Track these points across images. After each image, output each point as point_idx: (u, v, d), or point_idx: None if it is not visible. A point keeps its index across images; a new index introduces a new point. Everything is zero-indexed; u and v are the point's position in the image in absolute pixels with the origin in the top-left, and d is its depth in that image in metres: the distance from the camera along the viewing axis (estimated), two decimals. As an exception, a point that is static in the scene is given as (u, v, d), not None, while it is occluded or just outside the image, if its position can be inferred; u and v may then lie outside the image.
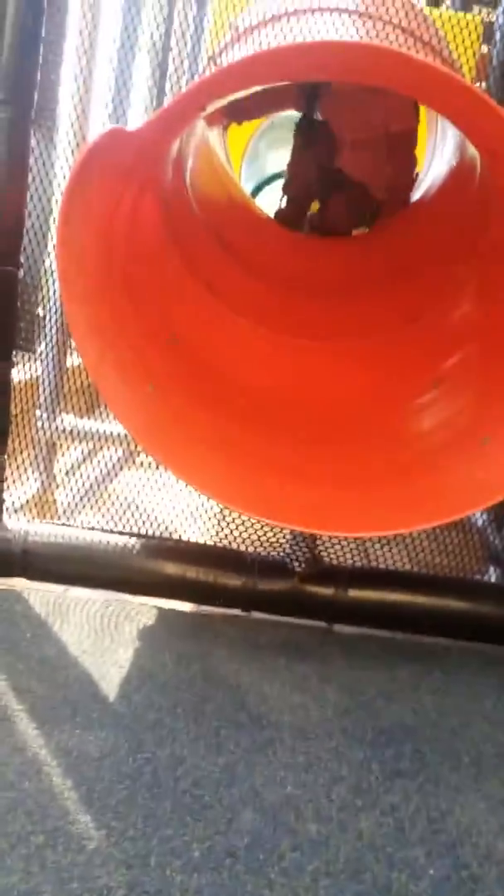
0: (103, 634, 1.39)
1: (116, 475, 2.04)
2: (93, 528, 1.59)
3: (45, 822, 0.95)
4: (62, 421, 1.84)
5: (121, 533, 1.58)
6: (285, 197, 2.03)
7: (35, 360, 1.89)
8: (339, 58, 1.36)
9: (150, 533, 1.63)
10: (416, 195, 2.11)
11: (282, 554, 1.56)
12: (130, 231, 1.52)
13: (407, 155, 1.89)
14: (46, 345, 1.86)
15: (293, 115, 2.83)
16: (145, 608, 1.52)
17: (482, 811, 1.08)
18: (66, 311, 1.26)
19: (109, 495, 1.83)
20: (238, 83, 1.45)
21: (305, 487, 1.39)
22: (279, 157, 2.38)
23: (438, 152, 1.95)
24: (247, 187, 3.44)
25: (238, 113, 1.93)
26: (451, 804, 1.09)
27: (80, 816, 0.97)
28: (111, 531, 1.58)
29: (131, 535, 1.57)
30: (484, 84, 1.96)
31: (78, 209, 1.23)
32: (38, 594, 1.50)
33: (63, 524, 1.61)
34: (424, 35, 1.56)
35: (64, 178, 1.61)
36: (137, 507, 1.72)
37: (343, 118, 1.82)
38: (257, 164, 3.39)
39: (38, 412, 1.82)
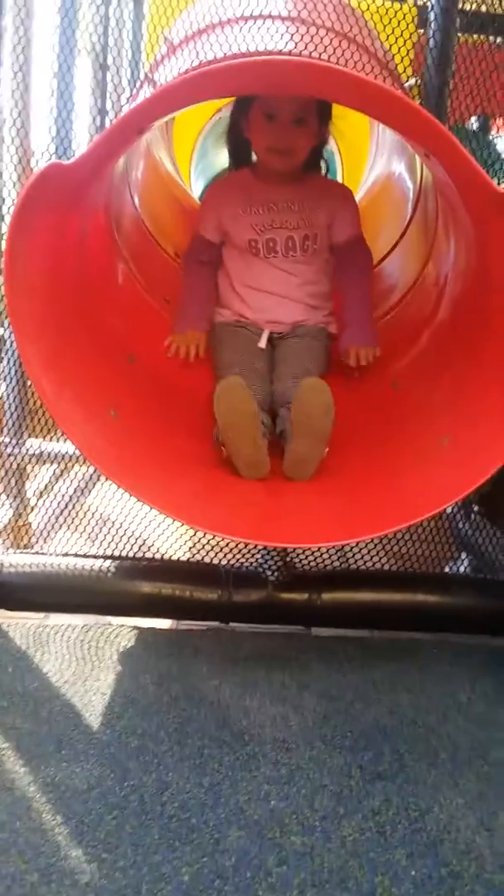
0: (84, 662, 1.41)
1: (89, 492, 2.05)
2: (66, 554, 1.61)
3: (38, 860, 0.98)
4: (29, 445, 1.84)
5: (94, 556, 1.60)
6: None
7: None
8: (273, 75, 1.36)
9: (126, 550, 1.66)
10: (360, 193, 2.13)
11: (255, 564, 1.59)
12: (80, 258, 1.52)
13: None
14: (8, 364, 1.85)
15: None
16: (124, 629, 1.54)
17: (460, 807, 1.13)
18: (20, 349, 1.26)
19: (84, 512, 1.85)
20: (173, 105, 1.45)
21: (267, 500, 1.41)
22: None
23: (380, 152, 1.97)
24: (198, 185, 3.44)
25: None
26: (430, 803, 1.13)
27: (72, 851, 1.00)
28: (85, 555, 1.60)
29: (105, 557, 1.60)
30: (416, 80, 1.95)
31: (23, 249, 1.23)
32: (18, 625, 1.52)
33: (36, 552, 1.63)
34: (357, 36, 1.57)
35: (8, 207, 1.62)
36: (112, 523, 1.73)
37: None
38: (206, 160, 3.39)
39: (4, 438, 1.83)
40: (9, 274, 1.22)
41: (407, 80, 1.91)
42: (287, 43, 1.42)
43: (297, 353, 1.64)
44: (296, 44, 1.41)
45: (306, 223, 1.66)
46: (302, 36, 1.43)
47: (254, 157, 1.74)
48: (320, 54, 1.37)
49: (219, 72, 1.34)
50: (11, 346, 1.78)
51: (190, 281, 1.75)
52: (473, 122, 2.34)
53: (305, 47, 1.39)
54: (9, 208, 1.59)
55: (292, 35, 1.45)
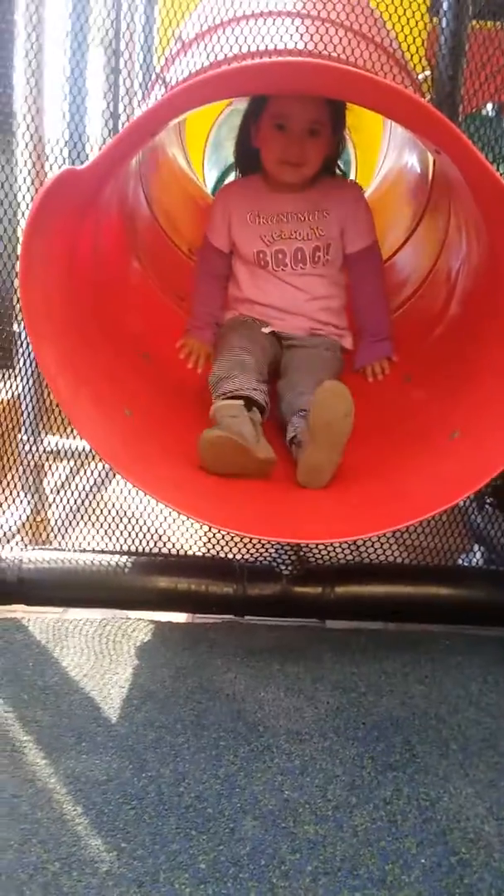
0: (102, 656, 1.45)
1: (106, 487, 2.08)
2: (84, 550, 1.64)
3: (59, 849, 1.02)
4: (47, 443, 1.88)
5: (112, 552, 1.63)
6: None
7: (14, 377, 1.92)
8: (285, 76, 1.37)
9: (142, 545, 1.69)
10: (373, 185, 2.13)
11: (269, 558, 1.62)
12: (94, 258, 1.55)
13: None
14: (24, 361, 1.88)
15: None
16: (142, 623, 1.58)
17: (470, 796, 1.15)
18: (36, 352, 1.29)
19: (101, 508, 1.88)
20: (185, 107, 1.47)
21: (279, 496, 1.43)
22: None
23: (392, 146, 1.97)
24: (211, 175, 3.45)
25: None
26: (440, 792, 1.16)
27: (92, 840, 1.03)
28: (102, 551, 1.63)
29: (122, 553, 1.63)
30: (426, 75, 1.93)
31: (38, 252, 1.26)
32: (38, 620, 1.56)
33: (55, 548, 1.66)
34: (369, 31, 1.57)
35: (23, 211, 1.64)
36: (129, 518, 1.76)
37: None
38: (220, 152, 3.40)
39: (21, 436, 1.86)
40: (25, 277, 1.24)
41: (420, 73, 1.90)
42: (297, 41, 1.43)
43: (310, 363, 1.61)
44: (305, 43, 1.42)
45: (317, 234, 1.64)
46: (312, 35, 1.44)
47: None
48: (330, 52, 1.38)
49: (230, 74, 1.35)
50: (27, 345, 1.81)
51: (201, 289, 1.76)
52: (490, 108, 2.32)
53: (315, 46, 1.40)
54: (23, 213, 1.61)
55: (301, 34, 1.46)
